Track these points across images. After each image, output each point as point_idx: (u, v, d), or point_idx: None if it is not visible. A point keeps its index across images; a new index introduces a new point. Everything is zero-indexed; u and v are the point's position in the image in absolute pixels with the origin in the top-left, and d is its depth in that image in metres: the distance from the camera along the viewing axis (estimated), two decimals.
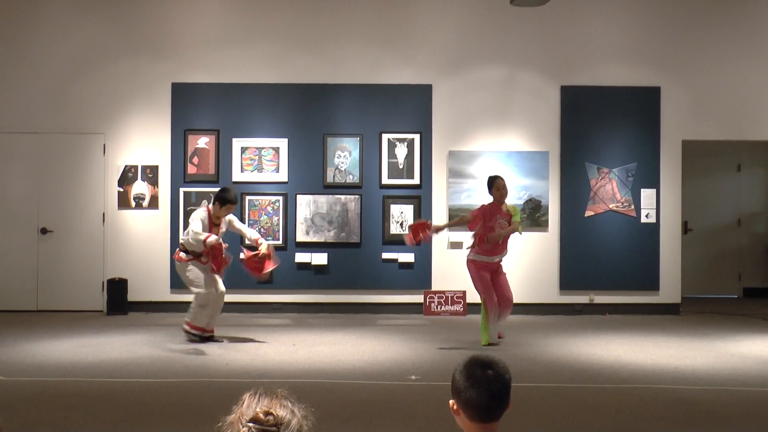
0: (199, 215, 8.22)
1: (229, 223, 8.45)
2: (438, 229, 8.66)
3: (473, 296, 10.35)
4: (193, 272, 8.22)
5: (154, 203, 10.53)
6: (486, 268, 8.13)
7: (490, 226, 8.05)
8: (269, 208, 10.47)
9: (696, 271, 12.55)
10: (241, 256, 8.44)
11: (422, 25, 10.73)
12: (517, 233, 8.39)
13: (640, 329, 9.25)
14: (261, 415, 1.81)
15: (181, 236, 8.86)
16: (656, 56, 10.73)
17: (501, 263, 8.28)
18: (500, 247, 8.18)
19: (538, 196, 10.56)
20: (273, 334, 8.73)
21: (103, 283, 10.47)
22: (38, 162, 10.56)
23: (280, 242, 10.43)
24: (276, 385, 1.97)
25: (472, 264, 8.16)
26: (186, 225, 9.00)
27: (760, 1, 10.88)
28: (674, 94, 10.69)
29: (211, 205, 8.36)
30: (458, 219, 8.83)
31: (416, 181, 10.54)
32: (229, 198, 8.23)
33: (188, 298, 10.13)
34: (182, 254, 8.26)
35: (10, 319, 9.72)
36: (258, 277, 8.52)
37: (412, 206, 10.49)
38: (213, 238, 8.05)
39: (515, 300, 10.42)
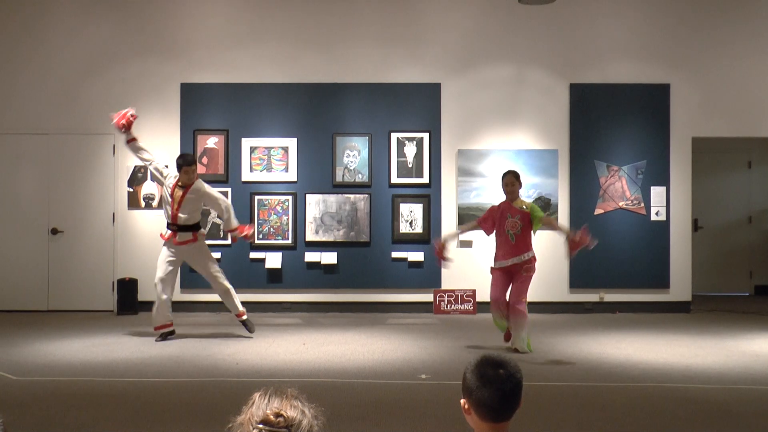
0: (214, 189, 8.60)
1: (203, 195, 8.43)
2: (449, 239, 8.18)
3: (483, 295, 10.35)
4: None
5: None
6: (500, 272, 7.68)
7: (501, 226, 7.66)
8: (278, 208, 10.48)
9: (707, 269, 12.50)
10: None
11: (430, 23, 10.72)
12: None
13: (650, 327, 9.21)
14: (271, 417, 1.81)
15: (213, 217, 9.21)
16: (665, 53, 10.69)
17: (524, 266, 7.58)
18: (513, 250, 7.58)
19: (547, 194, 10.53)
20: (283, 334, 8.74)
21: (113, 283, 10.51)
22: (48, 163, 10.60)
23: (289, 242, 10.44)
24: (286, 385, 1.96)
25: (492, 270, 7.82)
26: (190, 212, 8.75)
27: None
28: (684, 91, 10.65)
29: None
30: (472, 224, 8.22)
31: (425, 180, 10.53)
32: (186, 159, 8.35)
33: (199, 297, 10.20)
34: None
35: (21, 319, 9.77)
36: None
37: (421, 205, 10.48)
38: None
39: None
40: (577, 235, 7.50)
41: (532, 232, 7.67)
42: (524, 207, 7.65)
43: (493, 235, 7.89)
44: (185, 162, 8.32)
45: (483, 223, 7.91)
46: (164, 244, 8.46)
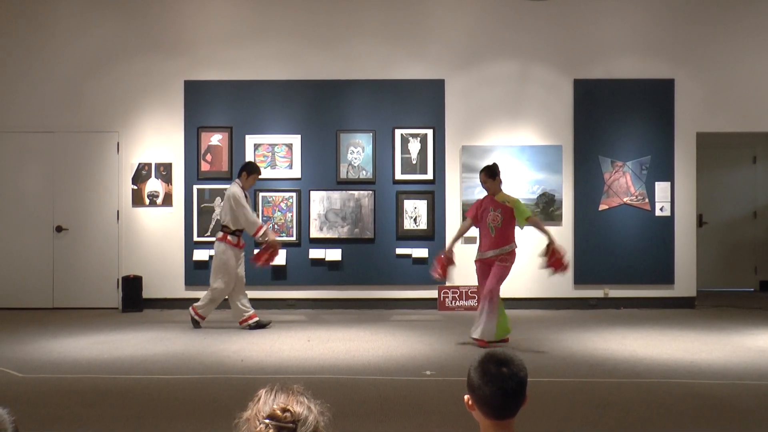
0: (237, 193, 8.69)
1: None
2: (451, 256, 8.17)
3: None
4: (227, 259, 8.74)
5: (167, 200, 10.57)
6: (482, 264, 7.92)
7: (484, 219, 7.87)
8: (283, 205, 10.49)
9: (711, 265, 12.47)
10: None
11: (434, 20, 10.71)
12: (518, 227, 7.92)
13: (655, 323, 9.20)
14: (278, 412, 1.81)
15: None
16: (670, 48, 10.66)
17: (500, 257, 7.75)
18: (492, 242, 7.79)
19: (551, 190, 10.52)
20: (288, 330, 8.75)
21: (117, 280, 10.52)
22: (53, 160, 10.62)
23: (294, 238, 10.45)
24: (291, 381, 1.97)
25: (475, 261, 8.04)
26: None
27: None
28: (688, 86, 10.62)
29: (238, 179, 8.89)
30: (459, 230, 8.42)
31: (429, 176, 10.53)
32: (256, 167, 8.97)
33: (202, 294, 10.19)
34: (230, 237, 8.77)
35: (27, 317, 9.79)
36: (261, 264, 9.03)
37: (425, 201, 10.47)
38: (269, 229, 8.82)
39: (529, 295, 10.51)
40: (561, 250, 7.73)
41: (517, 226, 7.89)
42: (507, 202, 7.84)
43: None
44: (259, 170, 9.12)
45: (469, 214, 8.15)
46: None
